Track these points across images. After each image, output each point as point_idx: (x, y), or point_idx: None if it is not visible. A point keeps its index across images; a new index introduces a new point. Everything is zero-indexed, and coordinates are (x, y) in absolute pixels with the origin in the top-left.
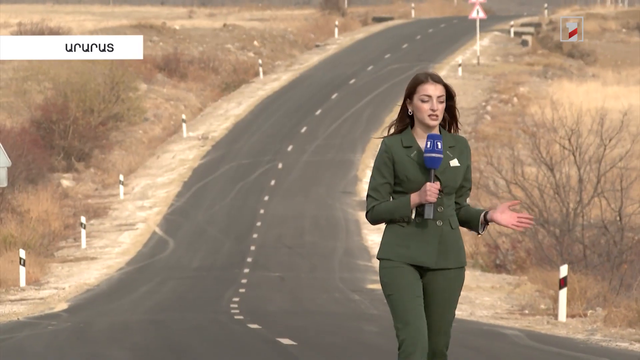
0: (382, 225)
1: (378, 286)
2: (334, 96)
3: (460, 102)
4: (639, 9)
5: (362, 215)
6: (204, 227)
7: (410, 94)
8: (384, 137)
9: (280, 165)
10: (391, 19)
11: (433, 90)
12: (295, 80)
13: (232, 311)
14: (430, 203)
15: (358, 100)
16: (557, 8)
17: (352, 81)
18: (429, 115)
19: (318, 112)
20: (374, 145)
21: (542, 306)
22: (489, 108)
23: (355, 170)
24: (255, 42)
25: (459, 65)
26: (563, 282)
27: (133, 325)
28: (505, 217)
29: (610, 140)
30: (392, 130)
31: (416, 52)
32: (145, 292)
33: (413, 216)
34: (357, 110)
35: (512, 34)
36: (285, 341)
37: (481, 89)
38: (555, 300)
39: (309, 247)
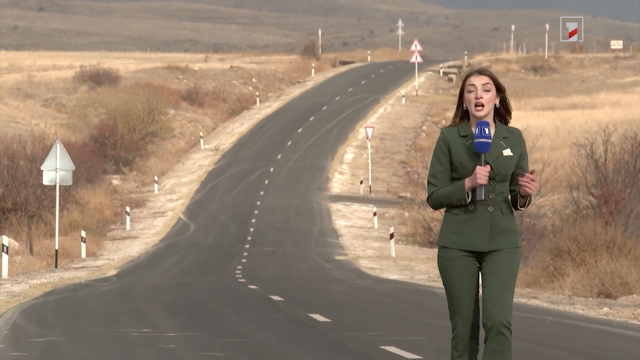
0: (347, 213)
1: (344, 257)
2: (311, 119)
3: (403, 123)
4: (534, 56)
5: (332, 205)
6: (216, 214)
7: (462, 90)
8: (442, 128)
9: (272, 169)
10: (353, 62)
11: (477, 80)
12: (282, 107)
13: (237, 276)
14: (481, 185)
15: (329, 121)
16: (474, 54)
17: (324, 108)
18: (475, 105)
19: (299, 130)
20: (340, 155)
21: None
22: (424, 127)
23: (326, 173)
24: (254, 79)
25: (403, 96)
26: None
27: (164, 287)
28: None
29: None
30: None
31: (371, 87)
32: (172, 262)
33: (469, 200)
34: (328, 129)
35: (441, 73)
36: (276, 298)
37: (419, 113)
38: None
39: (293, 229)
